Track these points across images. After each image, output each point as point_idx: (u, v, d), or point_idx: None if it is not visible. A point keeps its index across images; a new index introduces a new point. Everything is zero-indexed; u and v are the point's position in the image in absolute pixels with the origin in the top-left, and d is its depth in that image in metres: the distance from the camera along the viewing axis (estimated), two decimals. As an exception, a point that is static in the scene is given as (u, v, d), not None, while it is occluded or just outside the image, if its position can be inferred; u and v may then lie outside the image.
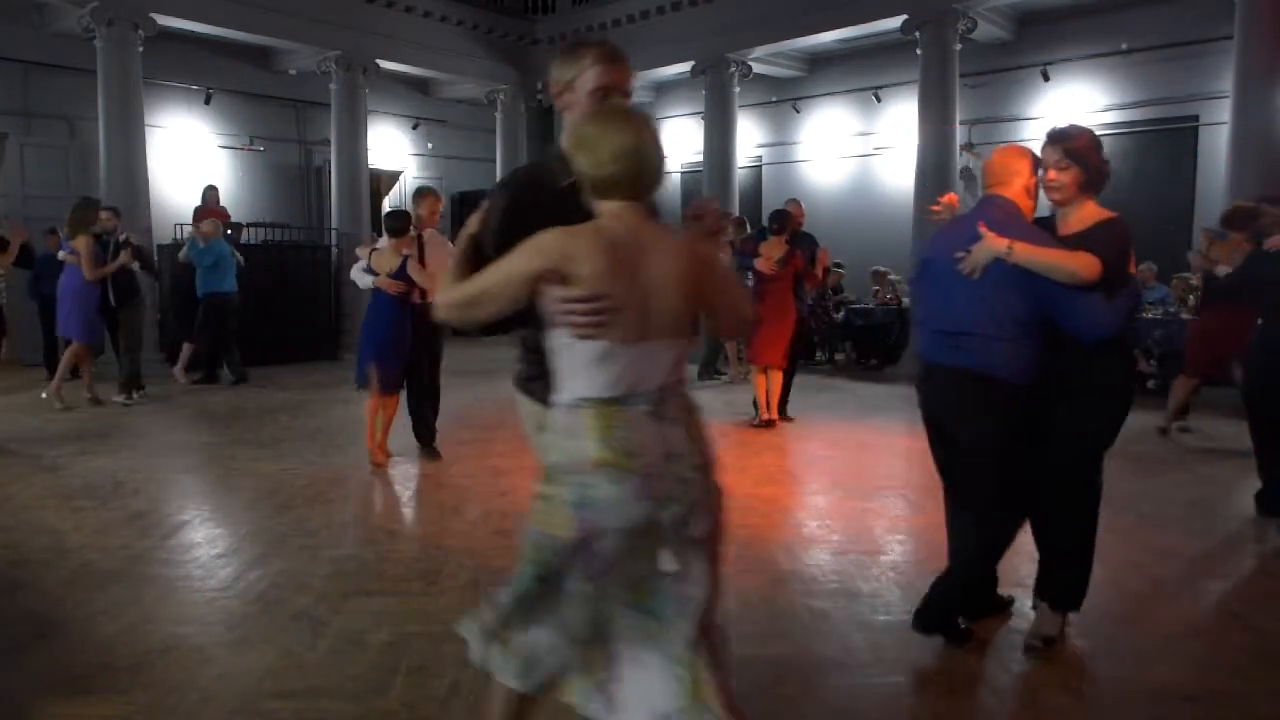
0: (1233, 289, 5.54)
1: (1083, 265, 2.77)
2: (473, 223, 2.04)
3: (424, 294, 5.65)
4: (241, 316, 9.68)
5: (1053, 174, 2.98)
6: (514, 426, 7.78)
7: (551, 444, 1.83)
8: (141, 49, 10.16)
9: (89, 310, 7.81)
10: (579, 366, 1.78)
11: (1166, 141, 10.13)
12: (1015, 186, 3.02)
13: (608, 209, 1.83)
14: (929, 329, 3.10)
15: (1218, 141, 9.12)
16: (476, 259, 1.94)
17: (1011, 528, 3.03)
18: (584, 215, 1.86)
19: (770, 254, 7.07)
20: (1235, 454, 5.79)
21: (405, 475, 5.79)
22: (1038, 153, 3.06)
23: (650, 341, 1.78)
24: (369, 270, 5.78)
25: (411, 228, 5.90)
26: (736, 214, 10.73)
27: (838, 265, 10.92)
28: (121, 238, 8.12)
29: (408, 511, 4.97)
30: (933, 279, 3.09)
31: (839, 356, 11.50)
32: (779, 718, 2.63)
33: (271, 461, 5.95)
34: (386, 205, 15.06)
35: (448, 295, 1.88)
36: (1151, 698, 2.76)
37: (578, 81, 2.06)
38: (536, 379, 2.06)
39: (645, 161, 1.81)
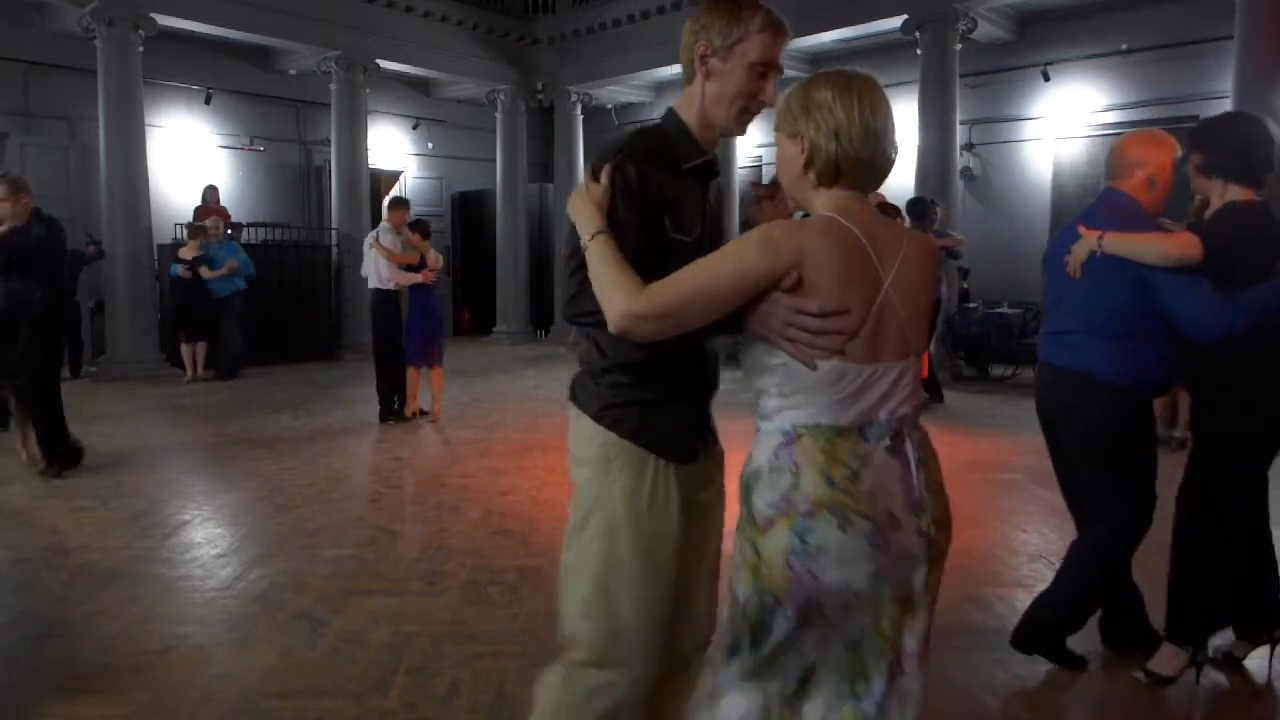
0: None
1: (1174, 244, 2.53)
2: (586, 207, 1.61)
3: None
4: (242, 316, 9.86)
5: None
6: (514, 426, 7.78)
7: (759, 483, 1.54)
8: (141, 49, 10.16)
9: None
10: (799, 389, 1.48)
11: (1166, 141, 10.12)
12: (1135, 179, 2.78)
13: (833, 200, 1.51)
14: (1043, 329, 2.99)
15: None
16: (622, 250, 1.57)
17: (1123, 539, 2.79)
18: (703, 202, 1.64)
19: None
20: None
21: (406, 475, 5.80)
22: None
23: (887, 360, 1.49)
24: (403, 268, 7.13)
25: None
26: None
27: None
28: None
29: (408, 511, 4.97)
30: (1048, 278, 2.95)
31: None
32: (779, 718, 2.62)
33: (271, 461, 5.95)
34: (386, 205, 15.07)
35: (633, 303, 1.48)
36: (1151, 696, 2.76)
37: (740, 47, 1.67)
38: (630, 404, 1.70)
39: (889, 145, 1.52)
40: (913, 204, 7.50)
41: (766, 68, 1.68)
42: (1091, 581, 2.87)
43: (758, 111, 1.73)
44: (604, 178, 1.61)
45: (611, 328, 1.51)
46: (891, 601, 1.47)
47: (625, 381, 1.69)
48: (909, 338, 1.51)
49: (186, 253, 9.82)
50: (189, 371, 9.67)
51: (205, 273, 9.71)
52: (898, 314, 1.48)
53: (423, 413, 7.42)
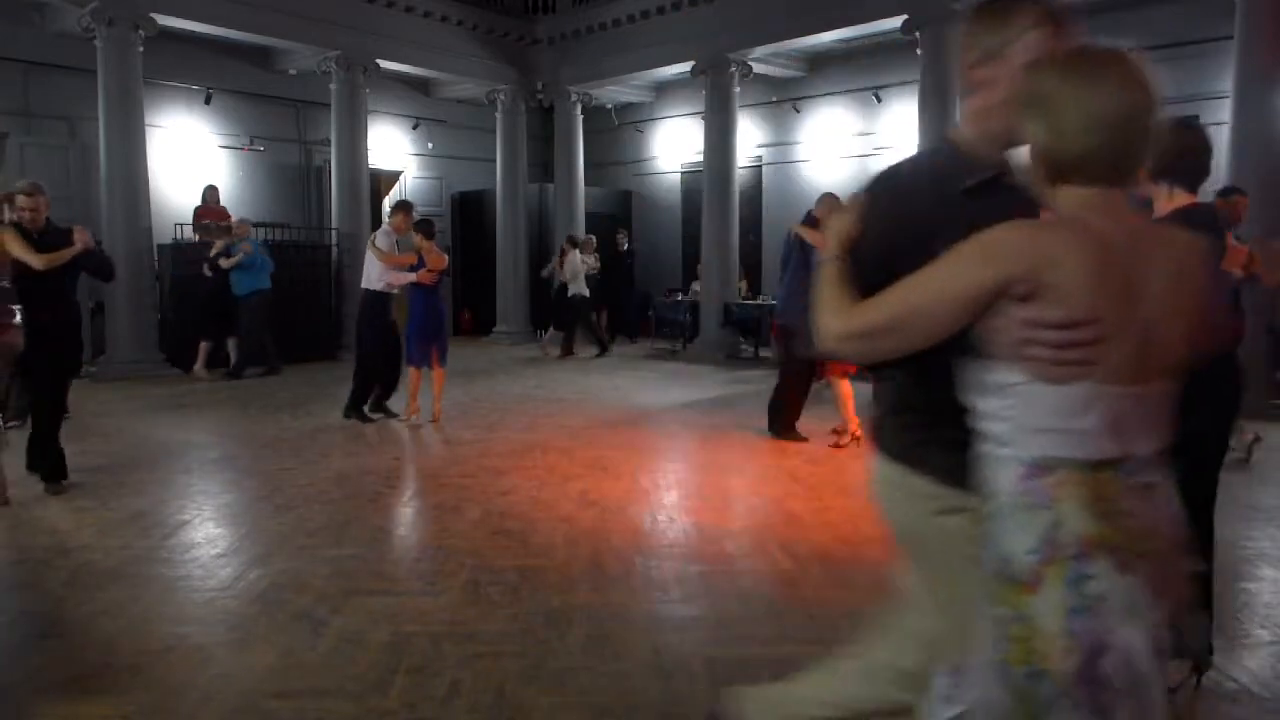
0: None
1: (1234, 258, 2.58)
2: (838, 227, 1.57)
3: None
4: (266, 314, 10.16)
5: None
6: (514, 426, 7.80)
7: (1005, 525, 1.30)
8: (141, 49, 10.16)
9: None
10: (1043, 416, 1.28)
11: (1166, 141, 10.12)
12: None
13: (1074, 198, 1.34)
14: None
15: (1218, 141, 9.11)
16: (854, 274, 1.49)
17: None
18: (995, 220, 1.38)
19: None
20: None
21: (405, 475, 5.80)
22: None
23: (1150, 384, 1.29)
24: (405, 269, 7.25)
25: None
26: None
27: None
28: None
29: (408, 511, 4.97)
30: None
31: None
32: (779, 718, 2.62)
33: (272, 461, 5.95)
34: (386, 205, 15.07)
35: (842, 323, 1.41)
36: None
37: (1011, 50, 1.53)
38: (929, 443, 1.55)
39: (1135, 132, 1.30)
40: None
41: None
42: None
43: None
44: (852, 206, 1.57)
45: (821, 346, 1.46)
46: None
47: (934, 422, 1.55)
48: (1172, 357, 1.31)
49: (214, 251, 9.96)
50: (199, 367, 9.78)
51: (223, 262, 9.81)
52: (1162, 328, 1.28)
53: (390, 413, 7.54)
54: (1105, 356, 1.25)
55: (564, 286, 12.36)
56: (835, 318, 1.43)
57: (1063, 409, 1.27)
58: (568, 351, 12.25)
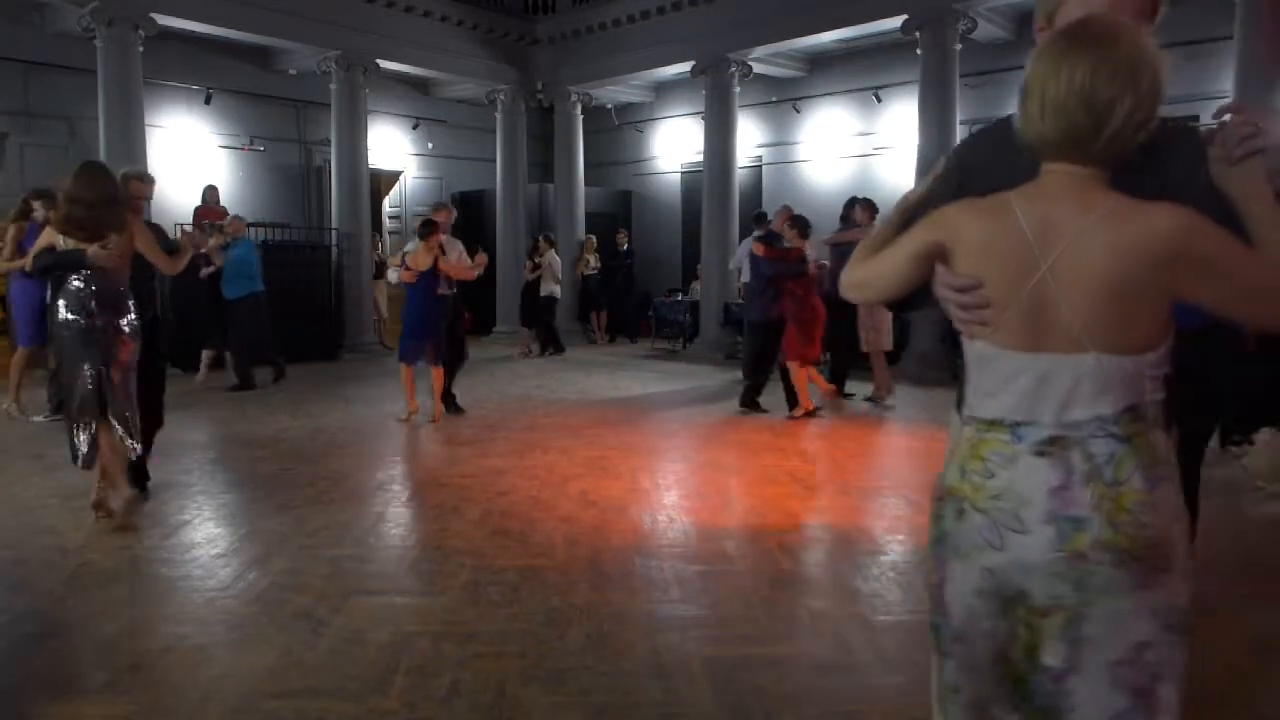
0: None
1: None
2: (916, 190, 1.63)
3: (451, 284, 7.40)
4: (253, 320, 9.69)
5: None
6: (514, 426, 7.80)
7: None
8: (141, 49, 10.17)
9: (27, 308, 7.24)
10: (968, 371, 1.44)
11: (1166, 141, 10.12)
12: None
13: (1045, 172, 1.39)
14: None
15: (1218, 141, 9.11)
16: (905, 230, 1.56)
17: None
18: None
19: (798, 257, 7.64)
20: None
21: (405, 475, 5.80)
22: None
23: (1050, 353, 1.32)
24: (405, 267, 7.23)
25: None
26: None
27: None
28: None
29: (408, 511, 4.97)
30: None
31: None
32: (779, 717, 2.62)
33: (272, 461, 5.95)
34: (387, 205, 15.07)
35: (849, 273, 1.57)
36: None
37: (1058, 14, 1.50)
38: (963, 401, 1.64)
39: (1090, 108, 1.30)
40: (798, 220, 7.97)
41: None
42: None
43: None
44: (938, 167, 1.64)
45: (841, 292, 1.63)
46: (1024, 624, 1.36)
47: None
48: (1084, 330, 1.30)
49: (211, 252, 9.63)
50: (201, 377, 9.38)
51: (203, 272, 9.52)
52: (1062, 300, 1.30)
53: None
54: (1000, 321, 1.35)
55: (537, 285, 12.36)
56: (849, 268, 1.58)
57: (972, 365, 1.42)
58: (557, 349, 12.33)
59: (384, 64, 12.41)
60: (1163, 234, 1.27)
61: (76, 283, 4.37)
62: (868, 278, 1.53)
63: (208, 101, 12.16)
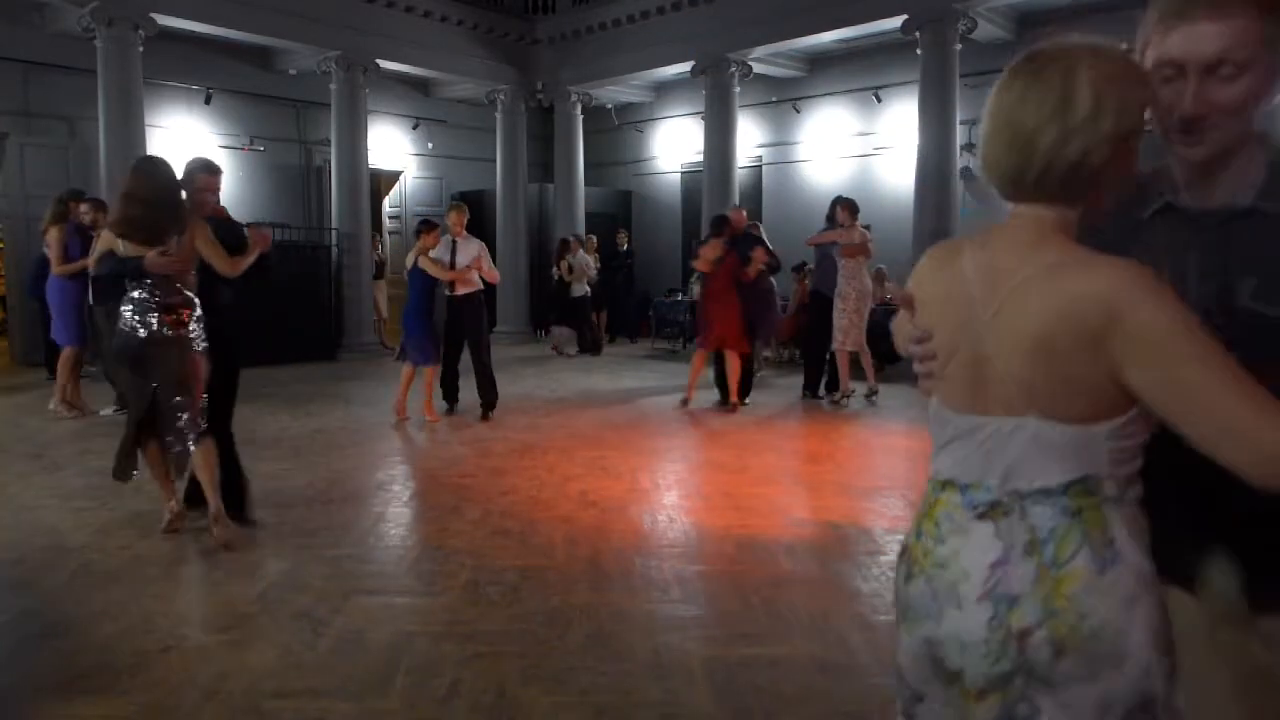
0: None
1: None
2: None
3: (452, 286, 7.38)
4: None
5: None
6: (514, 426, 7.79)
7: None
8: (141, 49, 10.16)
9: (70, 310, 7.43)
10: (930, 427, 1.34)
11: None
12: None
13: (1011, 214, 1.26)
14: None
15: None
16: None
17: None
18: (1153, 259, 1.18)
19: (707, 255, 7.96)
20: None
21: (405, 475, 5.80)
22: None
23: (985, 415, 1.19)
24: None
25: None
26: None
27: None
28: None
29: (408, 511, 4.97)
30: None
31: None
32: (779, 717, 2.63)
33: (272, 461, 5.95)
34: (387, 205, 15.07)
35: None
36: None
37: (1148, 52, 1.33)
38: None
39: (1013, 141, 1.18)
40: (714, 221, 8.43)
41: (1172, 68, 1.26)
42: None
43: (1187, 129, 1.27)
44: None
45: None
46: (960, 696, 1.23)
47: None
48: (1020, 392, 1.15)
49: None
50: None
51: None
52: (996, 361, 1.17)
53: None
54: (944, 378, 1.25)
55: (569, 285, 12.47)
56: None
57: (932, 422, 1.30)
58: (595, 349, 12.53)
59: (384, 64, 12.41)
60: (1092, 296, 1.08)
61: (139, 292, 4.02)
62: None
63: (208, 101, 12.15)
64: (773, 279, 8.71)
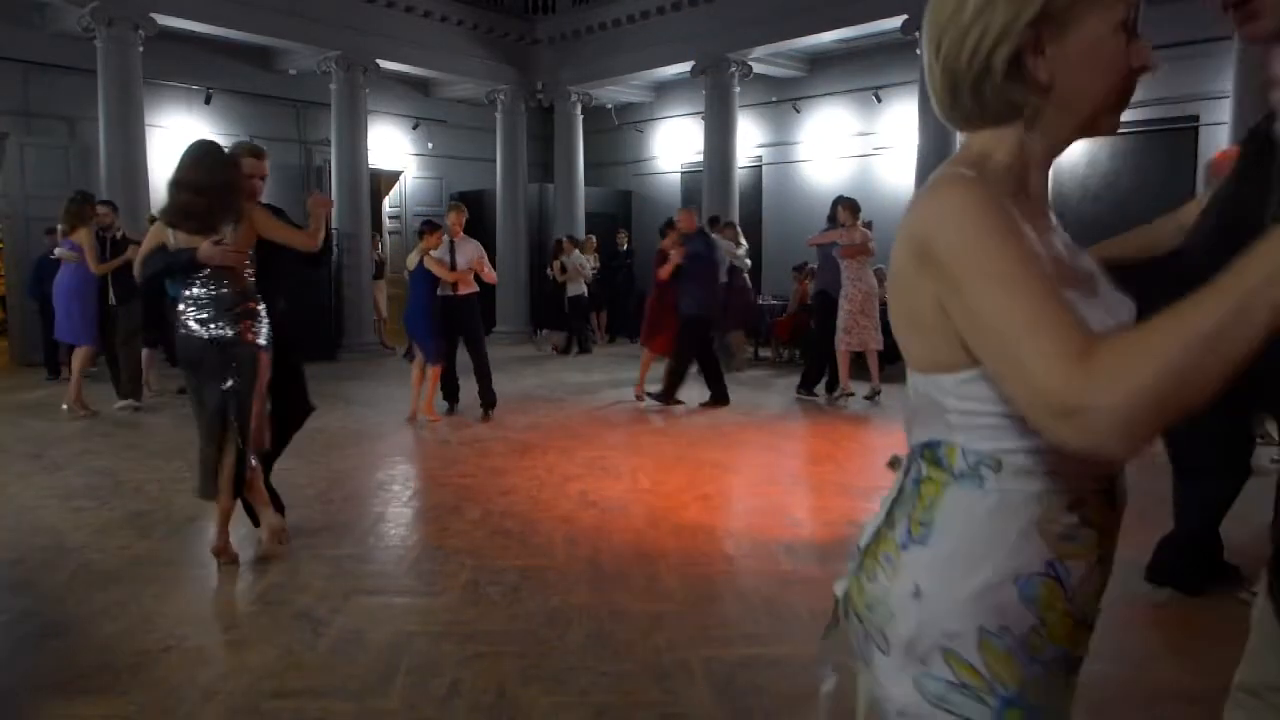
0: None
1: None
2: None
3: (454, 286, 7.36)
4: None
5: None
6: (514, 426, 7.77)
7: None
8: (141, 49, 10.16)
9: (91, 309, 7.55)
10: None
11: (1166, 142, 10.12)
12: None
13: None
14: None
15: (1218, 141, 9.11)
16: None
17: (1224, 488, 3.27)
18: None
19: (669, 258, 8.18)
20: None
21: (405, 475, 5.80)
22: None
23: (913, 371, 1.06)
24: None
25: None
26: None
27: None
28: (119, 234, 7.96)
29: (408, 511, 4.97)
30: None
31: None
32: (779, 717, 2.62)
33: (271, 461, 5.95)
34: (387, 205, 15.07)
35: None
36: (1150, 697, 2.76)
37: None
38: None
39: (931, 55, 1.08)
40: (667, 224, 8.93)
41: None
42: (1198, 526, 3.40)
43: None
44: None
45: None
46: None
47: None
48: (899, 336, 1.05)
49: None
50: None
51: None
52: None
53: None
54: None
55: (563, 285, 12.48)
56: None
57: None
58: (583, 349, 12.46)
59: (384, 64, 12.41)
60: (916, 219, 0.95)
61: (196, 289, 3.76)
62: None
63: (208, 101, 12.15)
64: (745, 275, 9.15)
